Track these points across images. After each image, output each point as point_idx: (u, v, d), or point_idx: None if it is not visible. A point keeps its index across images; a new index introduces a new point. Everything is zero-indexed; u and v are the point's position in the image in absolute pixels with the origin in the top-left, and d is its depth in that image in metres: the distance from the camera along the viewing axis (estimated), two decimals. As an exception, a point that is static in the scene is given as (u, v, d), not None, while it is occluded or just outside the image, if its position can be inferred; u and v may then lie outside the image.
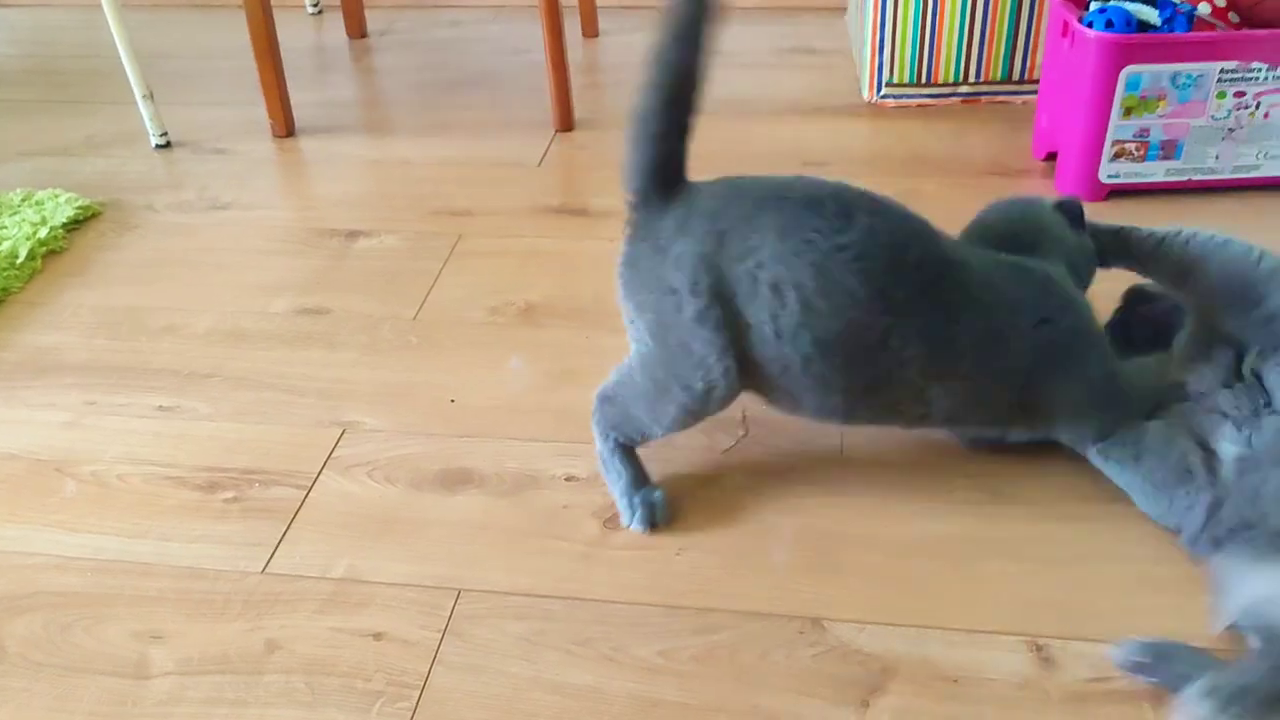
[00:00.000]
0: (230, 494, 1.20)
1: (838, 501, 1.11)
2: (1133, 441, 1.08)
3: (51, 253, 1.67)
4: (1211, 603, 0.99)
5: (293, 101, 2.03)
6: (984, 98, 2.00)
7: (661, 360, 1.06)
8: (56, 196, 1.78)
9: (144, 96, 1.96)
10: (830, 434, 1.21)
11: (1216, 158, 1.64)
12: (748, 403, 1.11)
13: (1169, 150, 1.63)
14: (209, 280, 1.59)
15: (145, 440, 1.28)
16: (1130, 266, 1.20)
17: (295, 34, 2.48)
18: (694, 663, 0.98)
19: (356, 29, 2.44)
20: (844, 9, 2.37)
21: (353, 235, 1.68)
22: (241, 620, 1.04)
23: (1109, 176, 1.65)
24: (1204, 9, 1.58)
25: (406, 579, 1.08)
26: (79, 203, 1.77)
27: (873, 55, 1.97)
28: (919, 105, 2.00)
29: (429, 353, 1.41)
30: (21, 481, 1.23)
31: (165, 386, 1.37)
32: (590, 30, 2.40)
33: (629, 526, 1.11)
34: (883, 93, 2.00)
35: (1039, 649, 0.97)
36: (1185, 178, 1.65)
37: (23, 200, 1.77)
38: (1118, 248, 1.18)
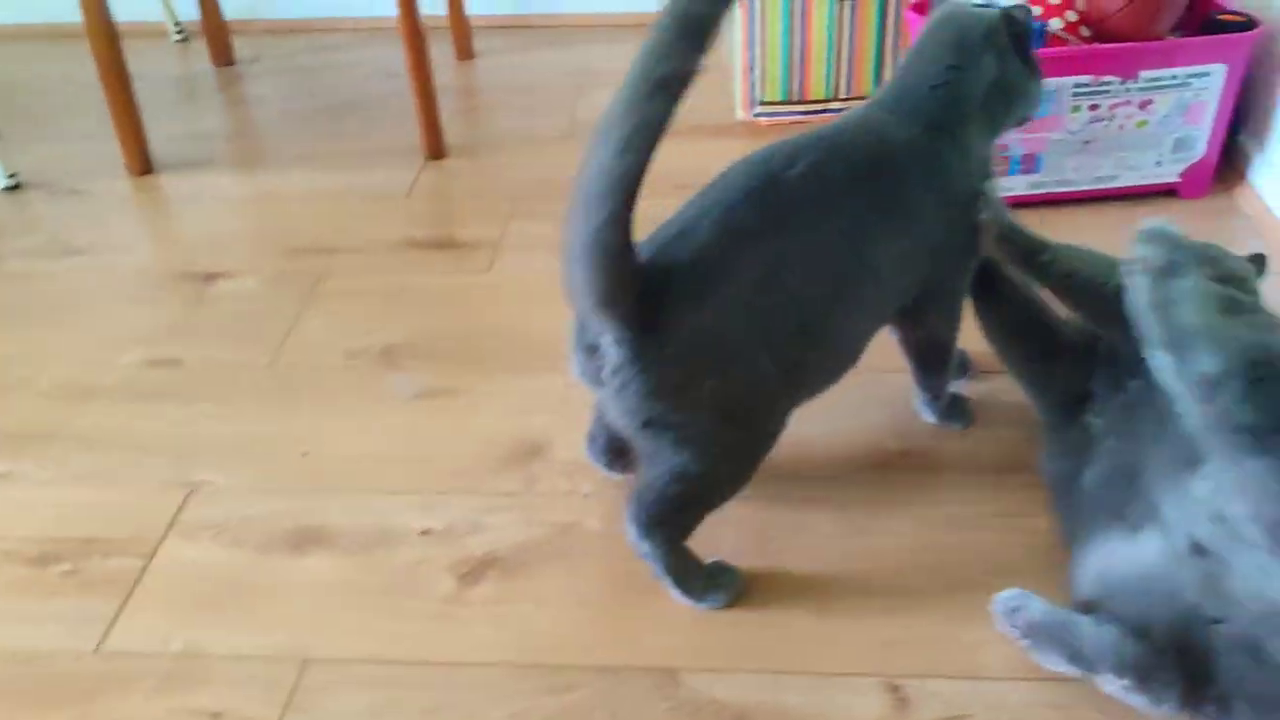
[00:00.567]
0: (66, 566, 1.13)
1: (698, 546, 1.09)
2: None
3: (-115, 309, 1.58)
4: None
5: (154, 136, 1.96)
6: (856, 113, 2.01)
7: (736, 434, 1.00)
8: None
9: (-11, 137, 1.87)
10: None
11: (1074, 170, 1.66)
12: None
13: (1029, 164, 1.65)
14: (55, 332, 1.52)
15: (-24, 512, 1.22)
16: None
17: (158, 63, 2.40)
18: (546, 726, 0.95)
19: (222, 56, 2.37)
20: (721, 24, 2.36)
21: (210, 278, 1.62)
22: (71, 708, 0.98)
23: (973, 192, 1.66)
24: (1056, 24, 1.60)
25: (250, 650, 1.03)
26: (-83, 253, 1.68)
27: (744, 74, 1.96)
28: (793, 123, 2.00)
29: (284, 402, 1.36)
30: None
31: None
32: (464, 52, 2.36)
33: (715, 605, 1.06)
34: (756, 111, 2.00)
35: (895, 690, 0.96)
36: (1046, 190, 1.68)
37: None
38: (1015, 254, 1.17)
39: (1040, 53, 1.56)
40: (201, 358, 1.45)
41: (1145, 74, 1.58)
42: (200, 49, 2.43)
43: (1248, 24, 1.60)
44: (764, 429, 1.03)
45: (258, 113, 2.20)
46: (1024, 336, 1.19)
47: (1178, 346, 0.78)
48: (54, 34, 2.57)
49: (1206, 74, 1.59)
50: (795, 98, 1.98)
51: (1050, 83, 1.56)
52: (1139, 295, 0.78)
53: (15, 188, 1.91)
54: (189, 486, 1.23)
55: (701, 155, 1.88)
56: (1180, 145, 1.66)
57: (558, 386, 1.25)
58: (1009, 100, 1.14)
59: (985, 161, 1.15)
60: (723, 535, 1.10)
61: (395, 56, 2.06)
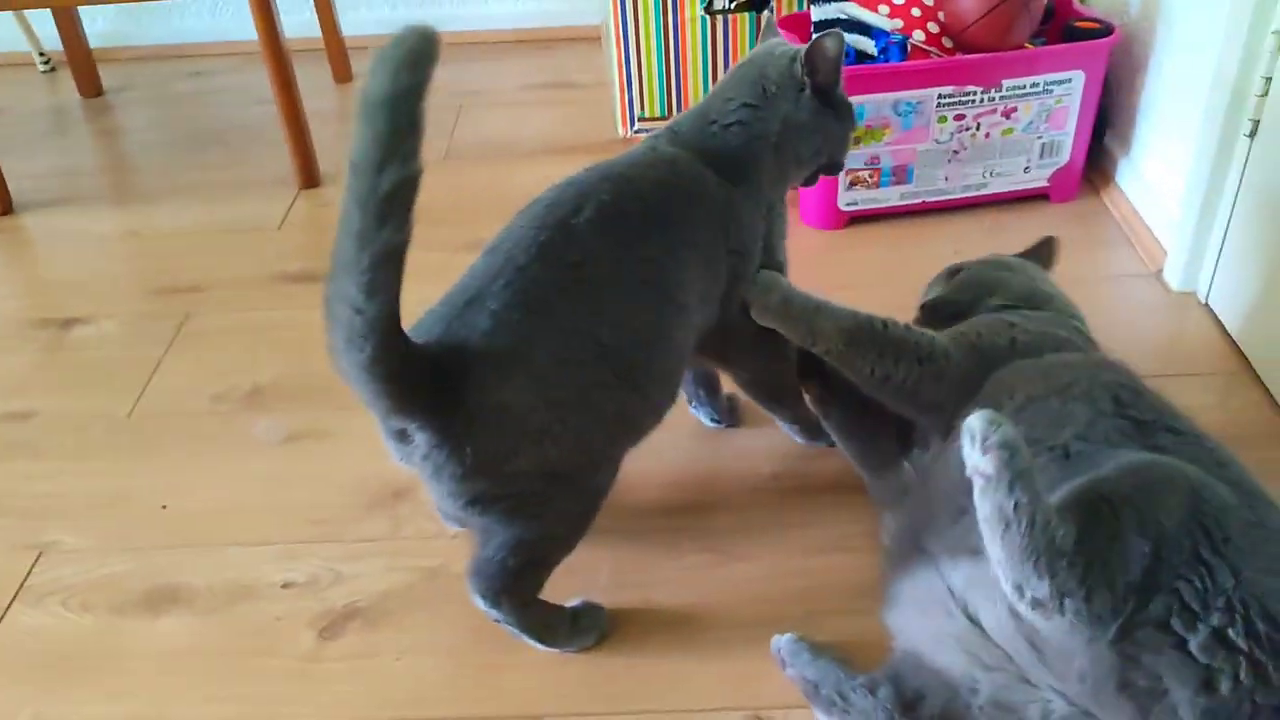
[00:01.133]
0: (-96, 643, 1.08)
1: (563, 587, 1.06)
2: None
3: None
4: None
5: (16, 173, 1.88)
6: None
7: (565, 495, 0.97)
8: None
9: None
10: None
11: (946, 179, 1.68)
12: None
13: (900, 175, 1.66)
14: (-99, 389, 1.45)
15: None
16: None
17: (23, 95, 2.31)
18: (405, 785, 0.92)
19: (90, 87, 2.29)
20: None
21: (68, 324, 1.56)
22: (-98, 797, 0.94)
23: (848, 204, 1.67)
24: (918, 36, 1.61)
25: (98, 722, 0.99)
26: None
27: (622, 90, 1.95)
28: (673, 137, 1.99)
29: (143, 454, 1.31)
30: None
31: None
32: (342, 74, 2.31)
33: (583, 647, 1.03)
34: (636, 127, 1.98)
35: (760, 723, 0.96)
36: (919, 200, 1.69)
37: None
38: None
39: (903, 66, 1.59)
40: (56, 409, 1.39)
41: (1007, 83, 1.60)
42: (68, 78, 2.34)
43: (1104, 30, 1.64)
44: (593, 484, 0.99)
45: (126, 145, 2.13)
46: (855, 429, 1.17)
47: (1013, 566, 0.76)
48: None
49: (1067, 80, 1.62)
50: (675, 112, 1.97)
51: (916, 94, 1.58)
52: (978, 504, 0.77)
53: None
54: (38, 548, 1.18)
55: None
56: (1047, 151, 1.68)
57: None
58: (808, 141, 1.10)
59: (775, 206, 1.11)
60: (592, 572, 1.09)
61: (266, 83, 2.01)
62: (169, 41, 2.46)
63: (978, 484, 0.74)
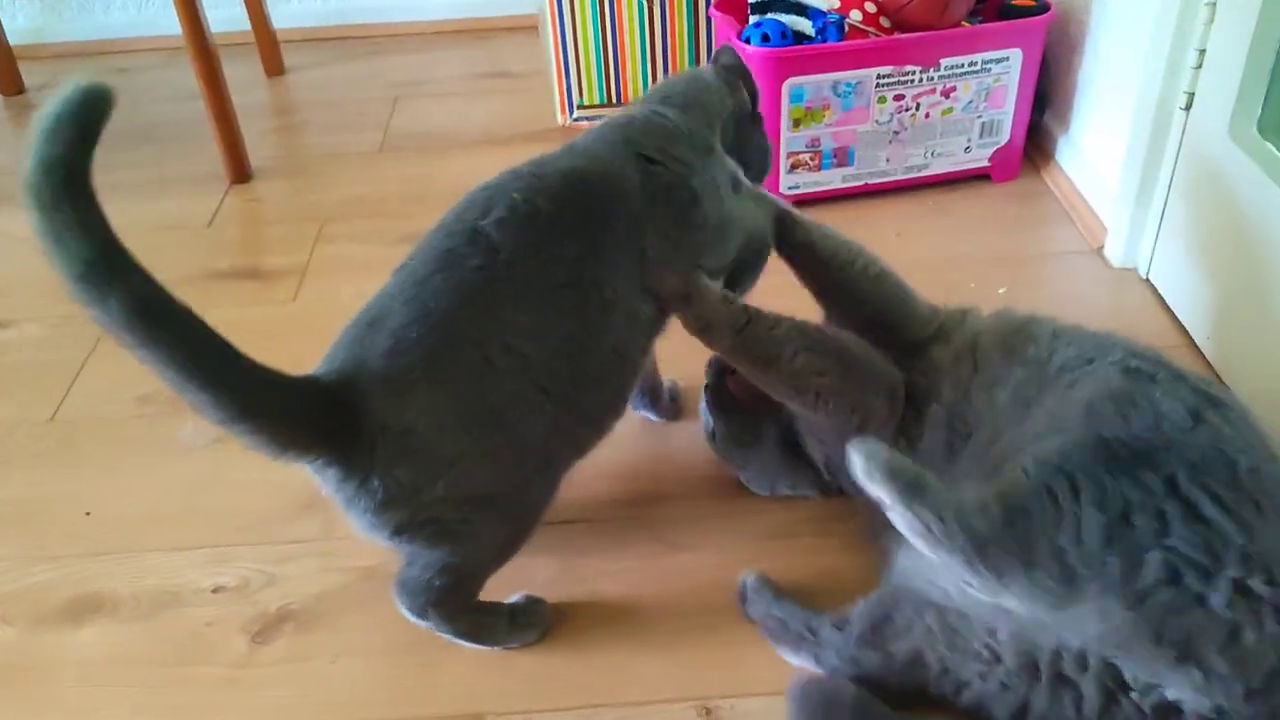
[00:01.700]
0: None
1: (506, 583, 1.03)
2: None
3: None
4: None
5: (-69, 174, 1.81)
6: (677, 112, 1.99)
7: (494, 518, 0.92)
8: None
9: None
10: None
11: (887, 160, 1.67)
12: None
13: (841, 157, 1.65)
14: None
15: None
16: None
17: (-59, 95, 2.23)
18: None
19: (11, 85, 2.21)
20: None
21: (-12, 327, 1.50)
22: None
23: (789, 188, 1.66)
24: (855, 16, 1.60)
25: (16, 742, 0.94)
26: None
27: (559, 77, 1.92)
28: (613, 125, 1.97)
29: (65, 459, 1.26)
30: None
31: None
32: (274, 68, 2.25)
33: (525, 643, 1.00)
34: (575, 115, 1.95)
35: (708, 712, 0.93)
36: (862, 182, 1.68)
37: None
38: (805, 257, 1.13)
39: (840, 47, 1.57)
40: (-26, 417, 1.33)
41: (946, 62, 1.59)
42: (-13, 78, 2.26)
43: (1041, 8, 1.63)
44: (524, 505, 0.94)
45: (49, 143, 2.05)
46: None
47: (951, 565, 0.78)
48: None
49: (1005, 59, 1.61)
50: (614, 99, 1.94)
51: (854, 75, 1.57)
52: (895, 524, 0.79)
53: None
54: (-46, 562, 1.13)
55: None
56: (987, 130, 1.68)
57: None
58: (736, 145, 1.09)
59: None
60: (536, 567, 1.06)
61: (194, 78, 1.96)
62: (93, 37, 2.39)
63: (884, 509, 0.78)
